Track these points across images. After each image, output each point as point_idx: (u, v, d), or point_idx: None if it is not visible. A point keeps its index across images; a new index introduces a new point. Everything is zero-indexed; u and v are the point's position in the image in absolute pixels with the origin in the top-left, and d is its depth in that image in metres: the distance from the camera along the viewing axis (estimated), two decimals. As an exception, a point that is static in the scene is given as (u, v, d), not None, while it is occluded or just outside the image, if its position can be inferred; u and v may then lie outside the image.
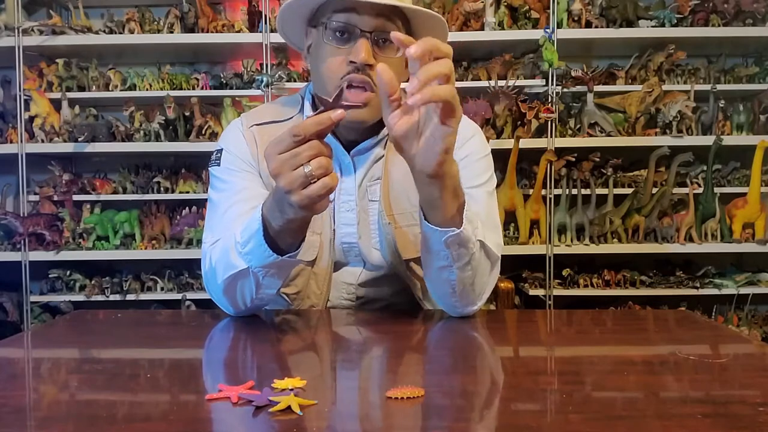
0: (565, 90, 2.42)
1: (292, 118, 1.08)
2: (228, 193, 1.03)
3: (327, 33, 0.96)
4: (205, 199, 1.23)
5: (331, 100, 0.76)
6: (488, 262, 0.96)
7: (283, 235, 0.85)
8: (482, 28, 2.44)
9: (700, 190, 2.44)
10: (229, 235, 0.93)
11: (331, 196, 1.05)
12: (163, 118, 2.43)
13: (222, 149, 1.08)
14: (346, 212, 1.08)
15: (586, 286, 2.44)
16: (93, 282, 2.49)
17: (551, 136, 2.41)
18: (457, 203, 0.86)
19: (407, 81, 0.76)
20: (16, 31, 2.40)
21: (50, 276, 2.50)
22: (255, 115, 1.12)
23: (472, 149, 1.09)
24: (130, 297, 2.47)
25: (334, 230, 1.07)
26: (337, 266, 1.11)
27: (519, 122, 2.45)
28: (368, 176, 1.08)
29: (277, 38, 2.36)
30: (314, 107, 1.07)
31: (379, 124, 1.06)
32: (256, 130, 1.07)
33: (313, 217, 1.02)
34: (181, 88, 2.51)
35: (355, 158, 1.07)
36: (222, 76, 2.50)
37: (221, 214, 1.02)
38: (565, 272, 2.45)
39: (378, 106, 0.98)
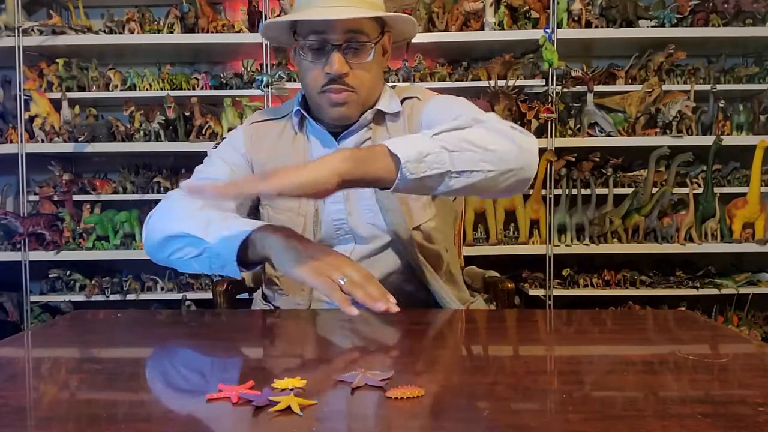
0: (565, 90, 2.42)
1: (286, 116, 1.20)
2: (204, 171, 1.17)
3: (304, 50, 1.07)
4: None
5: None
6: (495, 134, 0.90)
7: (255, 257, 0.92)
8: (482, 28, 2.44)
9: (700, 190, 2.44)
10: (206, 209, 1.00)
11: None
12: (163, 118, 2.43)
13: (225, 138, 1.24)
14: None
15: (586, 286, 2.44)
16: (93, 282, 2.49)
17: (551, 136, 2.41)
18: (378, 155, 0.84)
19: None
20: (16, 31, 2.40)
21: (50, 276, 2.51)
22: (258, 114, 1.25)
23: (435, 111, 1.12)
24: (130, 297, 2.47)
25: (316, 209, 1.13)
26: None
27: (519, 122, 2.45)
28: None
29: (277, 38, 2.35)
30: (303, 104, 1.17)
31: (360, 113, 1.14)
32: (254, 126, 1.21)
33: (297, 200, 1.11)
34: (181, 88, 2.51)
35: (341, 142, 1.15)
36: (222, 76, 2.50)
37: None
38: (565, 272, 2.46)
39: (357, 104, 1.10)
